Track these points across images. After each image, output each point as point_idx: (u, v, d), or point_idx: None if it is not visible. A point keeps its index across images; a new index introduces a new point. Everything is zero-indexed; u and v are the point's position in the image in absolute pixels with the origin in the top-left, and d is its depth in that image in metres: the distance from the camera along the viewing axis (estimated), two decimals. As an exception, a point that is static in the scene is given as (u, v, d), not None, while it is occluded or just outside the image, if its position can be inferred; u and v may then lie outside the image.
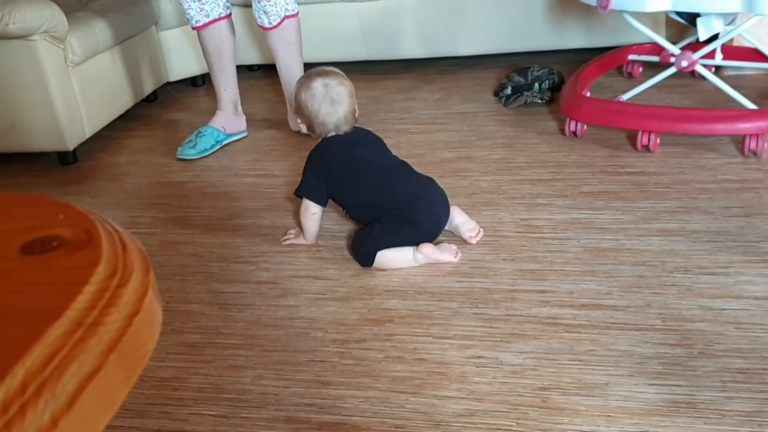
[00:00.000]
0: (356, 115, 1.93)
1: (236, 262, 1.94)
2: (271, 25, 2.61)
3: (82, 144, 2.70)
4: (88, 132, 2.70)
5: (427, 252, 1.81)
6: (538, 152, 2.37)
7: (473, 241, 1.89)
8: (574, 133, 2.42)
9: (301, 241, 1.99)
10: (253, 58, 3.46)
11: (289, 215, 2.15)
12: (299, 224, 1.99)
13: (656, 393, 1.34)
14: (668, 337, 1.47)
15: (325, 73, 1.91)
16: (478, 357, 1.48)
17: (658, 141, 2.26)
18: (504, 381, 1.41)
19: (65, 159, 2.69)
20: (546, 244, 1.84)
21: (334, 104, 1.87)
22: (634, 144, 2.30)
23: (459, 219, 1.94)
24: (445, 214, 1.92)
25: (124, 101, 2.96)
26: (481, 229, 1.92)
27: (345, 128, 1.90)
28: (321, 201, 1.91)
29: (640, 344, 1.47)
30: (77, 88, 2.62)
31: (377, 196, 1.88)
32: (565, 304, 1.61)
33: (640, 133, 2.27)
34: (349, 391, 1.43)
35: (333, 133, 1.90)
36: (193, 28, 2.65)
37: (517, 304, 1.63)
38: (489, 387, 1.40)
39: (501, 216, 1.99)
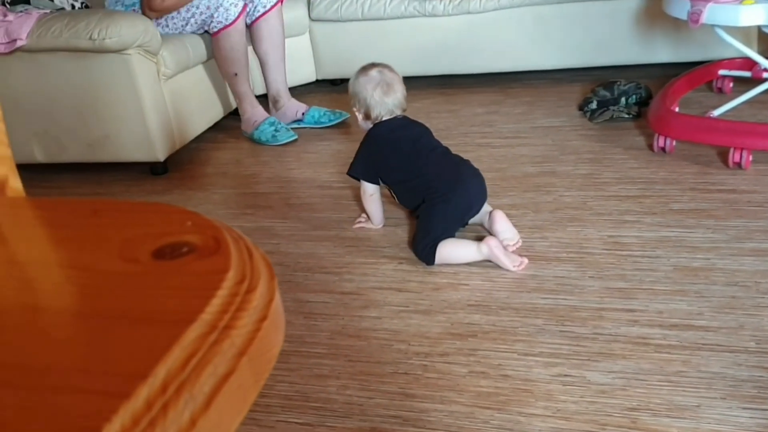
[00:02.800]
0: (405, 101, 2.11)
1: (320, 272, 1.96)
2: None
3: (173, 155, 2.78)
4: (179, 143, 2.78)
5: (492, 245, 1.84)
6: (625, 168, 2.33)
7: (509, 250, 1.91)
8: (663, 149, 2.38)
9: (370, 225, 2.15)
10: (335, 72, 3.52)
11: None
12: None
13: (750, 417, 1.30)
14: (763, 360, 1.43)
15: (377, 64, 2.11)
16: (565, 375, 1.46)
17: (751, 158, 2.20)
18: (591, 400, 1.39)
19: (156, 169, 2.78)
20: (634, 262, 1.81)
21: (389, 89, 2.05)
22: (725, 161, 2.24)
23: (500, 225, 1.95)
24: (479, 196, 2.02)
25: (212, 114, 3.04)
26: (521, 241, 1.94)
27: (397, 112, 2.08)
28: (371, 179, 2.08)
29: (733, 366, 1.42)
30: (168, 100, 2.71)
31: (409, 173, 2.01)
32: (655, 323, 1.57)
33: (731, 149, 2.21)
34: (433, 404, 1.43)
35: (386, 117, 2.06)
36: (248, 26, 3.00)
37: (605, 322, 1.60)
38: (576, 406, 1.38)
39: (587, 232, 1.97)
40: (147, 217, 0.50)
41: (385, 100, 2.05)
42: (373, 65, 2.09)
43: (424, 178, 1.99)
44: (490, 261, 1.87)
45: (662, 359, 1.47)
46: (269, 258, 1.61)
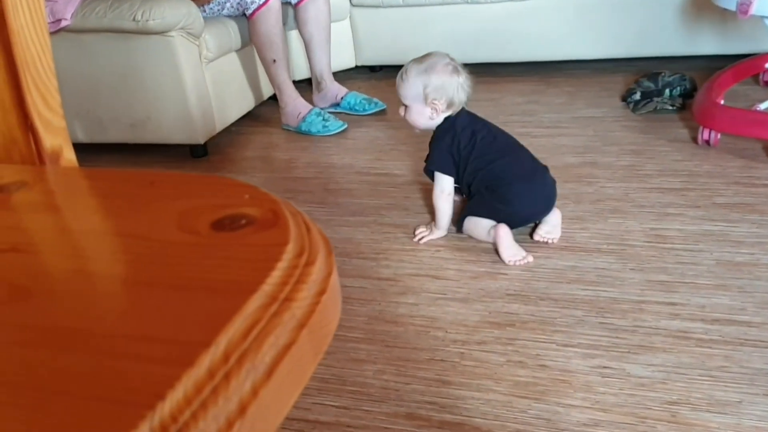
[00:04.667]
0: None
1: (358, 258, 1.96)
2: None
3: (212, 138, 2.80)
4: (219, 126, 2.80)
5: (501, 234, 1.87)
6: (668, 160, 2.29)
7: (537, 237, 1.93)
8: (707, 142, 2.34)
9: (435, 235, 2.03)
10: (374, 58, 3.51)
11: (409, 214, 2.16)
12: (432, 216, 2.06)
13: (796, 416, 1.27)
14: (809, 359, 1.40)
15: (432, 53, 2.01)
16: (604, 367, 1.45)
17: (798, 153, 2.15)
18: (631, 393, 1.37)
19: (196, 152, 2.80)
20: (677, 255, 1.78)
21: (462, 76, 1.96)
22: (771, 155, 2.20)
23: (551, 216, 1.95)
24: (542, 210, 1.95)
25: (252, 98, 3.06)
26: (556, 239, 1.93)
27: (466, 102, 2.01)
28: (452, 173, 1.98)
29: (778, 364, 1.40)
30: (209, 83, 2.72)
31: (480, 169, 1.95)
32: (697, 317, 1.55)
33: (778, 144, 2.17)
34: (470, 392, 1.43)
35: (459, 108, 1.98)
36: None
37: (646, 315, 1.58)
38: (615, 398, 1.36)
39: (629, 224, 1.94)
40: (204, 189, 0.49)
41: (466, 85, 1.96)
42: (429, 55, 1.99)
43: (490, 179, 1.94)
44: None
45: (703, 354, 1.44)
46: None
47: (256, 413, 0.35)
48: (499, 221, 1.90)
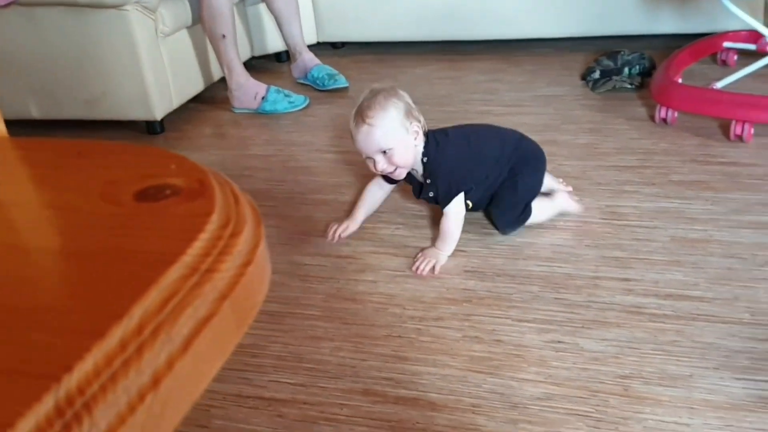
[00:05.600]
0: None
1: (317, 236, 1.95)
2: None
3: (169, 114, 2.76)
4: (176, 102, 2.76)
5: (564, 197, 1.91)
6: (626, 138, 2.31)
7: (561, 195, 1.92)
8: (665, 120, 2.35)
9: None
10: (338, 35, 3.48)
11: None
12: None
13: (743, 388, 1.30)
14: (757, 332, 1.42)
15: (372, 90, 1.77)
16: (558, 342, 1.46)
17: (752, 131, 2.17)
18: (584, 367, 1.39)
19: (152, 128, 2.75)
20: (632, 232, 1.80)
21: None
22: (726, 133, 2.22)
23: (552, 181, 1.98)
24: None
25: (211, 74, 3.01)
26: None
27: None
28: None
29: (727, 337, 1.42)
30: (166, 58, 2.68)
31: (488, 165, 1.84)
32: (650, 293, 1.57)
33: (733, 122, 2.19)
34: (426, 367, 1.43)
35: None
36: None
37: (600, 291, 1.59)
38: (568, 372, 1.38)
39: (585, 202, 1.95)
40: (131, 159, 0.48)
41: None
42: (368, 93, 1.75)
43: (501, 161, 1.85)
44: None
45: (656, 328, 1.46)
46: (266, 221, 1.60)
47: (172, 386, 0.34)
48: (537, 195, 1.86)
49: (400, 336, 1.53)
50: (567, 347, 1.44)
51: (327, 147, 2.52)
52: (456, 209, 1.77)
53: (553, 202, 1.89)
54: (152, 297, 0.35)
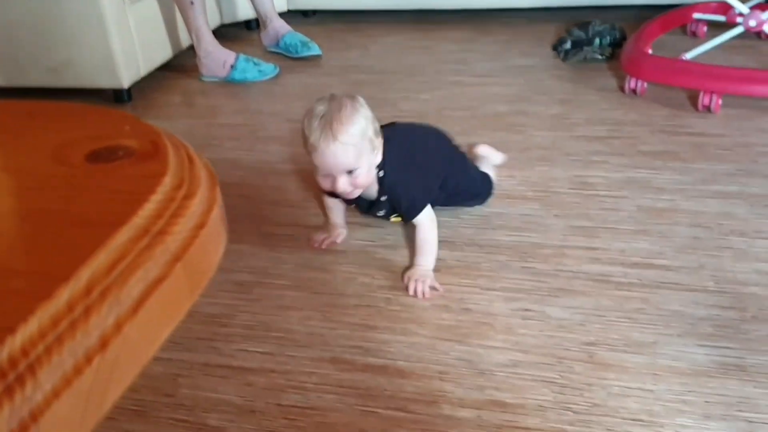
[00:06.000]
0: None
1: (286, 206, 1.94)
2: None
3: (137, 83, 2.72)
4: (143, 70, 2.72)
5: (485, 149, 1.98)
6: (596, 109, 2.32)
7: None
8: (634, 91, 2.36)
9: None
10: (309, 3, 3.44)
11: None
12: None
13: (706, 354, 1.32)
14: (721, 300, 1.44)
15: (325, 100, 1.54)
16: (525, 310, 1.47)
17: (721, 102, 2.19)
18: (550, 334, 1.40)
19: (119, 97, 2.71)
20: (600, 201, 1.81)
21: None
22: (695, 104, 2.24)
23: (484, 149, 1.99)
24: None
25: (180, 41, 2.96)
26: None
27: None
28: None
29: (691, 305, 1.44)
30: (133, 26, 2.63)
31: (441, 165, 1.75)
32: (616, 262, 1.58)
33: (702, 93, 2.21)
34: (395, 336, 1.43)
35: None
36: None
37: (567, 260, 1.61)
38: (535, 340, 1.39)
39: (555, 172, 1.96)
40: (84, 121, 0.47)
41: None
42: (322, 102, 1.52)
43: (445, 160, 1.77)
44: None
45: (622, 296, 1.48)
46: (235, 191, 1.57)
47: (121, 348, 0.33)
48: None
49: (369, 305, 1.53)
50: (534, 315, 1.45)
51: (297, 116, 2.46)
52: (428, 216, 1.60)
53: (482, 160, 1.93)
54: (101, 259, 0.35)
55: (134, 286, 0.35)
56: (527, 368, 1.33)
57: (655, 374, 1.29)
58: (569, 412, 1.23)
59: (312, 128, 1.47)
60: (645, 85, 2.35)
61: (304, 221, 1.86)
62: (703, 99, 2.20)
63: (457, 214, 1.81)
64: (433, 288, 1.55)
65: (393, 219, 1.74)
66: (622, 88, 2.41)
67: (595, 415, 1.22)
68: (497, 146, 2.12)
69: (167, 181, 0.40)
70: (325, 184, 1.56)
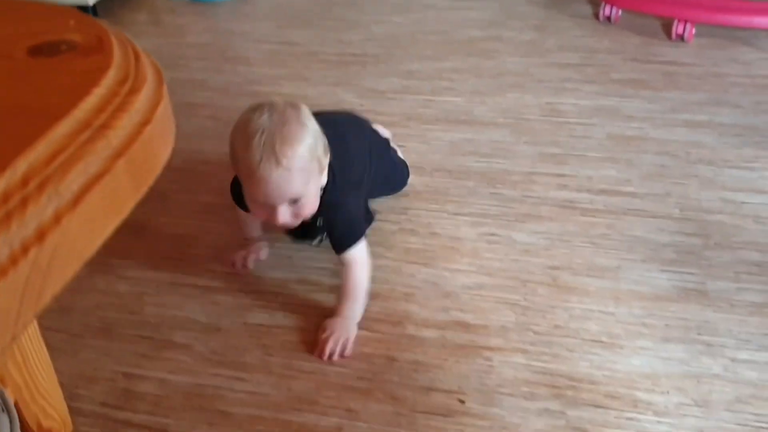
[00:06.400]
0: None
1: (254, 128, 1.91)
2: None
3: (103, 0, 2.64)
4: (109, -13, 2.63)
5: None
6: (569, 36, 2.29)
7: None
8: (608, 19, 2.34)
9: (354, 332, 1.28)
10: None
11: (309, 85, 2.10)
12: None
13: (668, 280, 1.34)
14: (685, 227, 1.46)
15: (268, 106, 1.22)
16: (491, 234, 1.48)
17: (694, 31, 2.18)
18: (515, 259, 1.41)
19: (84, 12, 2.63)
20: (570, 129, 1.80)
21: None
22: (669, 33, 2.22)
23: None
24: None
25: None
26: None
27: None
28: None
29: (655, 232, 1.45)
30: (98, -60, 2.54)
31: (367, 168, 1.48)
32: (583, 188, 1.59)
33: (675, 21, 2.19)
34: (361, 258, 1.44)
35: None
36: None
37: (535, 186, 1.61)
38: (500, 263, 1.40)
39: (526, 99, 1.95)
40: (27, 15, 0.45)
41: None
42: (261, 110, 1.19)
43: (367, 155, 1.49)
44: (430, 121, 1.85)
45: (587, 222, 1.49)
46: (201, 111, 1.55)
47: (59, 241, 0.32)
48: None
49: (336, 228, 1.52)
50: (500, 239, 1.46)
51: (266, 37, 2.44)
52: (361, 254, 1.31)
53: None
54: (39, 150, 0.34)
55: (74, 180, 0.34)
56: (491, 291, 1.34)
57: (617, 298, 1.31)
58: (531, 333, 1.25)
59: (249, 148, 1.14)
60: (619, 12, 2.33)
61: (272, 144, 1.84)
62: (677, 27, 2.18)
63: (427, 139, 1.80)
64: (342, 355, 1.23)
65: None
66: (596, 15, 2.39)
67: (557, 336, 1.24)
68: (470, 71, 2.11)
69: (111, 75, 0.38)
70: (260, 214, 1.26)
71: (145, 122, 0.38)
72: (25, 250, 0.31)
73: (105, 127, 0.36)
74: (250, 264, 1.43)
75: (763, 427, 1.07)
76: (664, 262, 1.38)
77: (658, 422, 1.09)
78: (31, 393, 0.68)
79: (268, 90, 2.09)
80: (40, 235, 0.31)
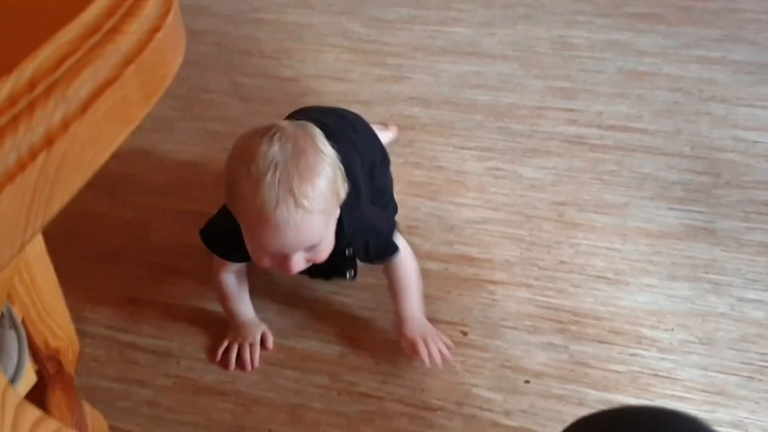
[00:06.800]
0: None
1: (259, 57, 1.88)
2: None
3: None
4: None
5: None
6: (582, -33, 2.24)
7: None
8: (623, -49, 2.28)
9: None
10: None
11: (314, 12, 2.06)
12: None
13: (676, 218, 1.33)
14: (695, 165, 1.44)
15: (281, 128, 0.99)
16: (498, 169, 1.46)
17: (712, -34, 2.12)
18: (521, 194, 1.40)
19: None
20: (581, 63, 1.77)
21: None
22: (685, -33, 2.17)
23: None
24: None
25: None
26: None
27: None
28: None
29: (665, 169, 1.44)
30: None
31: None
32: (593, 124, 1.57)
33: (693, -45, 2.13)
34: (366, 190, 1.42)
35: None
36: None
37: (543, 120, 1.59)
38: (505, 198, 1.39)
39: (537, 32, 1.91)
40: None
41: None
42: (275, 134, 0.95)
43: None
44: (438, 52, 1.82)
45: (596, 158, 1.47)
46: (205, 38, 1.51)
47: (67, 148, 0.31)
48: None
49: (341, 159, 1.51)
50: (506, 174, 1.45)
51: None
52: (402, 246, 1.16)
53: None
54: (46, 54, 0.32)
55: (82, 86, 0.32)
56: (496, 225, 1.33)
57: (624, 235, 1.30)
58: (535, 268, 1.24)
59: (260, 189, 0.91)
60: (635, -55, 2.26)
61: (277, 72, 1.81)
62: (694, -38, 2.12)
63: (435, 71, 1.77)
64: (446, 348, 1.10)
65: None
66: (611, -52, 2.33)
67: (561, 271, 1.24)
68: (478, 2, 2.07)
69: (120, -21, 0.37)
70: (265, 264, 1.02)
71: (155, 29, 0.37)
72: (33, 155, 0.29)
73: (114, 31, 0.35)
74: (257, 362, 1.13)
75: (767, 367, 1.08)
76: (672, 199, 1.37)
77: (662, 359, 1.09)
78: (39, 313, 0.68)
79: (273, 17, 2.05)
80: (48, 141, 0.30)
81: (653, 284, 1.20)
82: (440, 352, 1.09)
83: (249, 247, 1.02)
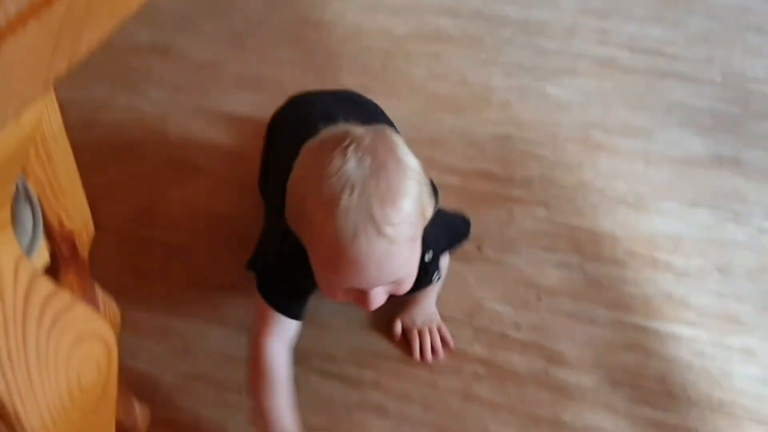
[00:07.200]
0: None
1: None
2: None
3: None
4: None
5: None
6: None
7: None
8: None
9: None
10: None
11: None
12: None
13: (701, 145, 1.30)
14: (726, 94, 1.41)
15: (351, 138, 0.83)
16: (525, 87, 1.43)
17: None
18: (547, 112, 1.37)
19: None
20: (616, -18, 1.71)
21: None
22: None
23: None
24: None
25: None
26: None
27: None
28: None
29: (694, 96, 1.40)
30: None
31: None
32: (625, 46, 1.52)
33: None
34: (389, 100, 1.38)
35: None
36: None
37: (575, 39, 1.54)
38: (531, 116, 1.36)
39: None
40: None
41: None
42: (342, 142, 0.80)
43: None
44: None
45: (625, 82, 1.44)
46: None
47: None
48: None
49: (364, 67, 1.48)
50: (533, 92, 1.42)
51: None
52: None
53: None
54: None
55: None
56: (519, 143, 1.31)
57: (648, 159, 1.28)
58: (556, 187, 1.23)
59: (335, 215, 0.76)
60: None
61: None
62: None
63: (465, -17, 1.72)
64: (444, 343, 1.03)
65: None
66: None
67: (582, 192, 1.22)
68: None
69: None
70: (339, 298, 0.87)
71: None
72: (60, -10, 0.28)
73: None
74: None
75: (780, 297, 1.07)
76: (699, 127, 1.34)
77: (677, 283, 1.09)
78: (54, 192, 0.67)
79: None
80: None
81: (673, 210, 1.19)
82: (434, 345, 1.01)
83: (318, 279, 0.86)
